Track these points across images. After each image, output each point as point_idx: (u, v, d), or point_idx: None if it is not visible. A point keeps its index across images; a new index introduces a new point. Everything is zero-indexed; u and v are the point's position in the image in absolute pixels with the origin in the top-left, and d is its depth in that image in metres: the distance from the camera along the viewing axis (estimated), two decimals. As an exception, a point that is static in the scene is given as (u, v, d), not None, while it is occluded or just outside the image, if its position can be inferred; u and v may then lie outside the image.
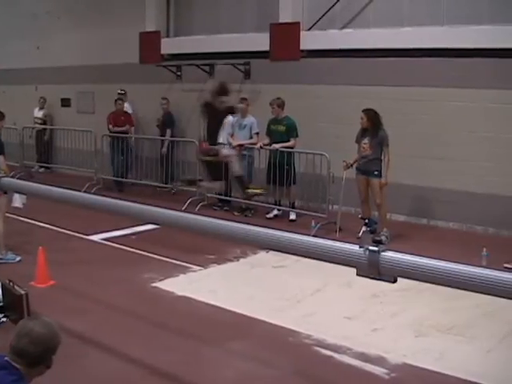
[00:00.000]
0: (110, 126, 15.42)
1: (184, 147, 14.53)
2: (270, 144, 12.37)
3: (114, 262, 9.17)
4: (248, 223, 4.47)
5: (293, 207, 12.41)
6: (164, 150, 14.91)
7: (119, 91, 15.95)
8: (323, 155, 11.60)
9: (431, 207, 11.99)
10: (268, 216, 12.38)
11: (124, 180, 15.31)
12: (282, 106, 12.33)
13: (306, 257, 3.96)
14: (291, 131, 12.26)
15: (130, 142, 15.61)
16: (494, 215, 11.07)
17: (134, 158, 15.45)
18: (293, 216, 12.27)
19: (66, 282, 7.88)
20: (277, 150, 12.12)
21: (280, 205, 12.54)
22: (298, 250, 3.98)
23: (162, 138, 15.08)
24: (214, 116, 12.61)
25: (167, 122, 15.19)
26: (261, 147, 12.49)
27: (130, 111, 15.93)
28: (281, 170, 12.07)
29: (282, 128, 12.32)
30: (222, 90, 12.18)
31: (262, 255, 9.30)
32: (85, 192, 7.09)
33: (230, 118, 12.85)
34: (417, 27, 11.72)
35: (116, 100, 15.41)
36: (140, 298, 7.65)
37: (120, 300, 7.49)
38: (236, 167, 11.91)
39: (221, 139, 12.60)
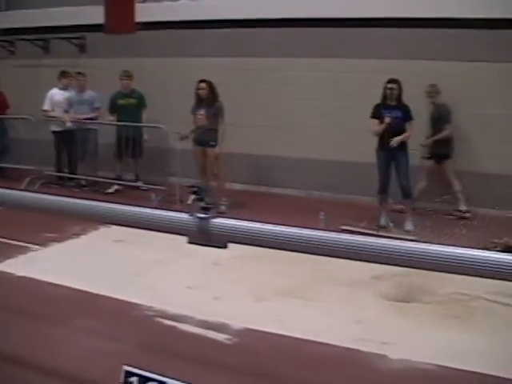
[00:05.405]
0: None
1: (15, 125, 13.98)
2: (118, 120, 12.39)
3: None
4: (88, 199, 4.43)
5: (139, 179, 12.52)
6: None
7: None
8: (160, 128, 11.61)
9: (270, 175, 12.31)
10: (108, 191, 12.25)
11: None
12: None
13: (137, 228, 3.99)
14: (143, 102, 12.48)
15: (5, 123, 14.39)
16: (330, 180, 11.52)
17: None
18: (145, 187, 12.33)
19: None
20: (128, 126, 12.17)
21: (121, 180, 12.46)
22: (131, 221, 4.00)
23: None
24: None
25: None
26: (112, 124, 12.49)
27: None
28: (134, 144, 12.16)
29: (133, 101, 12.46)
30: None
31: (103, 230, 9.18)
32: None
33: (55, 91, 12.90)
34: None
35: None
36: (-23, 282, 7.40)
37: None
38: None
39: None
